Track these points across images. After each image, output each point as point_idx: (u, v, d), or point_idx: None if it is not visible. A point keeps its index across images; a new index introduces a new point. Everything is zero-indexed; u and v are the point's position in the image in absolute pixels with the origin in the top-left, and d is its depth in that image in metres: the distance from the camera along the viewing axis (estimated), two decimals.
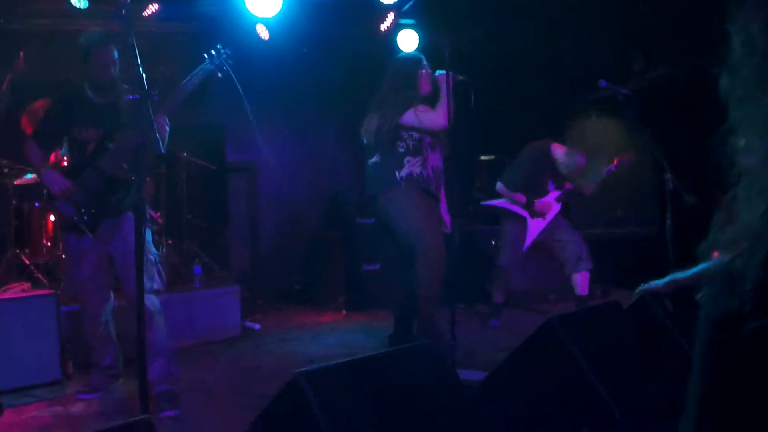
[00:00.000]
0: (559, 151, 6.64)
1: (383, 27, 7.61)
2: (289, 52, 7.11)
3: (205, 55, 4.46)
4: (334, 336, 6.47)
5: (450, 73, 5.12)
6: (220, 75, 4.46)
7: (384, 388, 2.57)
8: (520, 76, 7.41)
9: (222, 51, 4.47)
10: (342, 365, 2.58)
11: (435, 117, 5.19)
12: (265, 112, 8.43)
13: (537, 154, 6.65)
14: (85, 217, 4.52)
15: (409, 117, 5.18)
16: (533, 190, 6.54)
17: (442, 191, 5.53)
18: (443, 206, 5.57)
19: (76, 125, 4.59)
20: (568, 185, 6.62)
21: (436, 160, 5.32)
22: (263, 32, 7.01)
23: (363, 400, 2.47)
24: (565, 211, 6.71)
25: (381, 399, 2.52)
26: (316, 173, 8.75)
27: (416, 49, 5.54)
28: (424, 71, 5.34)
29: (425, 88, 5.35)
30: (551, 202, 6.53)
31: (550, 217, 6.53)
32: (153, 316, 4.45)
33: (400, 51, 6.73)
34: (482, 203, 6.90)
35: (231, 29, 6.31)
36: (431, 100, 5.31)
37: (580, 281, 6.45)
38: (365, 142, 5.41)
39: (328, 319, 7.45)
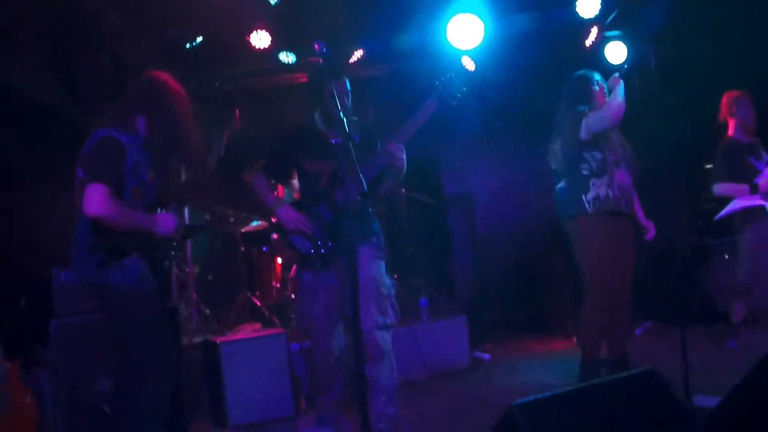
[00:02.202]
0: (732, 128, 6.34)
1: (588, 43, 7.46)
2: (495, 80, 7.12)
3: (437, 83, 4.39)
4: (566, 364, 6.30)
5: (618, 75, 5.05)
6: (454, 102, 4.39)
7: (605, 418, 2.47)
8: (733, 80, 6.97)
9: (454, 78, 4.38)
10: (559, 396, 2.51)
11: (601, 115, 5.05)
12: (478, 142, 8.54)
13: (724, 144, 6.33)
14: (322, 251, 4.50)
15: (583, 129, 5.08)
16: (744, 175, 6.16)
17: (636, 202, 5.39)
18: (640, 215, 5.44)
19: (307, 158, 4.59)
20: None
21: (622, 177, 5.16)
22: (469, 64, 7.07)
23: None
24: None
25: (602, 430, 2.43)
26: (534, 199, 8.59)
27: (625, 61, 5.36)
28: (597, 87, 5.24)
29: (601, 103, 5.22)
30: None
31: None
32: (381, 353, 4.43)
33: (609, 65, 6.55)
34: (716, 218, 6.51)
35: (436, 64, 6.42)
36: None
37: None
38: (553, 167, 5.38)
39: (559, 346, 7.29)
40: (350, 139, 3.40)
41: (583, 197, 5.11)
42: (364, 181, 3.54)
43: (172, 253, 4.00)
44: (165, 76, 3.94)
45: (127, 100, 3.89)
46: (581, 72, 5.39)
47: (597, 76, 5.30)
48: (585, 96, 5.24)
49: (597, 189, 5.10)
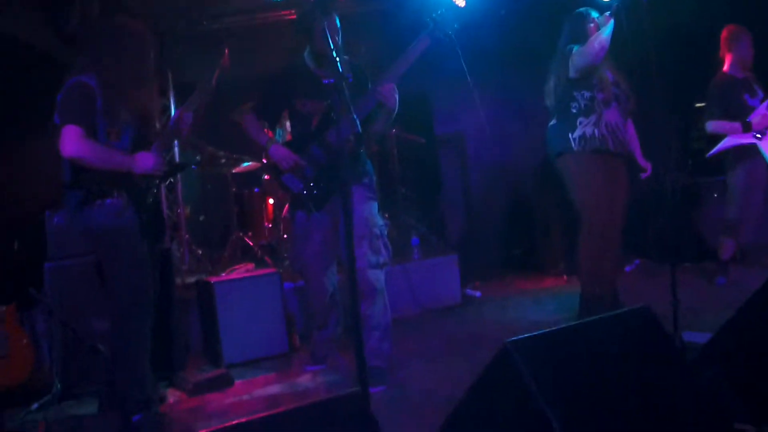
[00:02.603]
0: (728, 63, 6.32)
1: None
2: (486, 16, 7.01)
3: (429, 20, 4.31)
4: (556, 301, 6.38)
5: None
6: (446, 39, 4.31)
7: (597, 355, 2.51)
8: (726, 17, 6.90)
9: (446, 14, 4.29)
10: (553, 333, 2.54)
11: (582, 50, 5.02)
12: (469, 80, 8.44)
13: (719, 80, 6.32)
14: (314, 191, 4.51)
15: (570, 67, 5.09)
16: (737, 112, 6.16)
17: (633, 142, 5.43)
18: (638, 155, 5.48)
19: (299, 97, 4.56)
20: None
21: (612, 116, 5.14)
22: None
23: (576, 368, 2.42)
24: None
25: (595, 366, 2.46)
26: (526, 138, 8.55)
27: None
28: (592, 25, 5.19)
29: None
30: (764, 113, 6.09)
31: None
32: (374, 291, 4.48)
33: (601, 2, 6.49)
34: (707, 156, 6.51)
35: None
36: None
37: None
38: (547, 105, 5.38)
39: (549, 284, 7.35)
40: (344, 78, 3.35)
41: (570, 135, 5.13)
42: (357, 121, 3.52)
43: (155, 191, 4.01)
44: (125, 21, 4.02)
45: (91, 46, 3.98)
46: (579, 10, 5.35)
47: (594, 14, 5.25)
48: (579, 34, 5.20)
49: (584, 128, 5.11)
